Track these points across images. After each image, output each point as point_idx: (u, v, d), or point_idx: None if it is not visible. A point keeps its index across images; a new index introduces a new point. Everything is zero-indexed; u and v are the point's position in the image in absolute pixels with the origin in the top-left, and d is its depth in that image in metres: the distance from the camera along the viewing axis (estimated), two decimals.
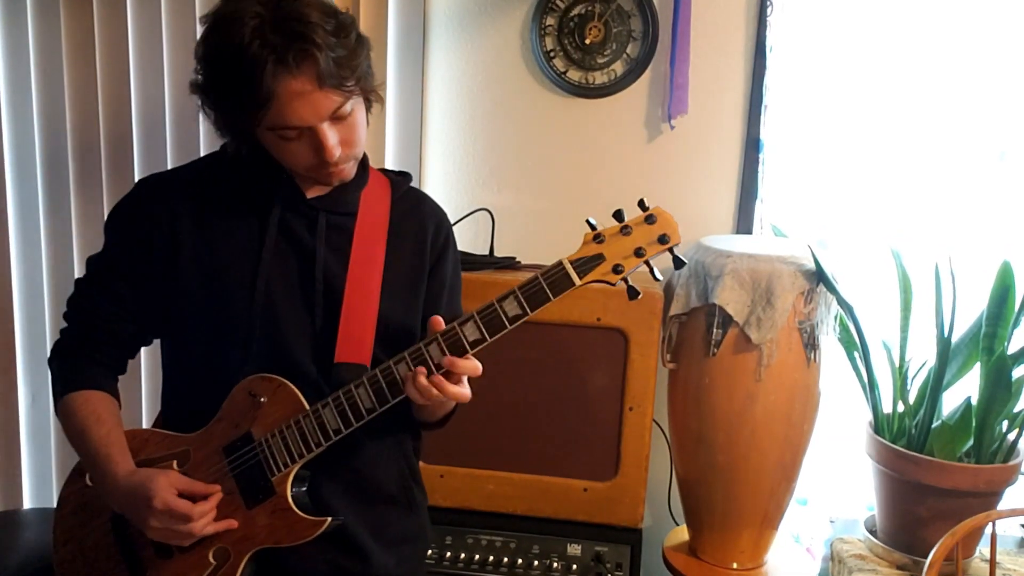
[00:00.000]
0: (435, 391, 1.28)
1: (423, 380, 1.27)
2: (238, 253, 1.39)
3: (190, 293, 1.39)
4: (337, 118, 1.28)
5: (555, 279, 1.27)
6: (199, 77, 1.30)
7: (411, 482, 1.55)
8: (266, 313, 1.38)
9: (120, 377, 1.52)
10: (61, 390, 1.45)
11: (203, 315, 1.39)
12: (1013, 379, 1.99)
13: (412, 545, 1.56)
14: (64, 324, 1.49)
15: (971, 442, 2.05)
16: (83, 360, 1.46)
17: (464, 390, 1.31)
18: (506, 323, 1.28)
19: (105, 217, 2.41)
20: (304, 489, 1.39)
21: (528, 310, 1.28)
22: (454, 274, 1.54)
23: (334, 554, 1.43)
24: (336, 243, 1.41)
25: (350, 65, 1.26)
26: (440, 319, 1.30)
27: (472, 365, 1.29)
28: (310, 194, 1.41)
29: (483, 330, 1.28)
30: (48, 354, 1.50)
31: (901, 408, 2.15)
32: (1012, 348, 2.03)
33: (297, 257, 1.40)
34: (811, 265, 2.04)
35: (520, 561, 2.17)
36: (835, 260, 2.14)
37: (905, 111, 2.32)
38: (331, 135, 1.29)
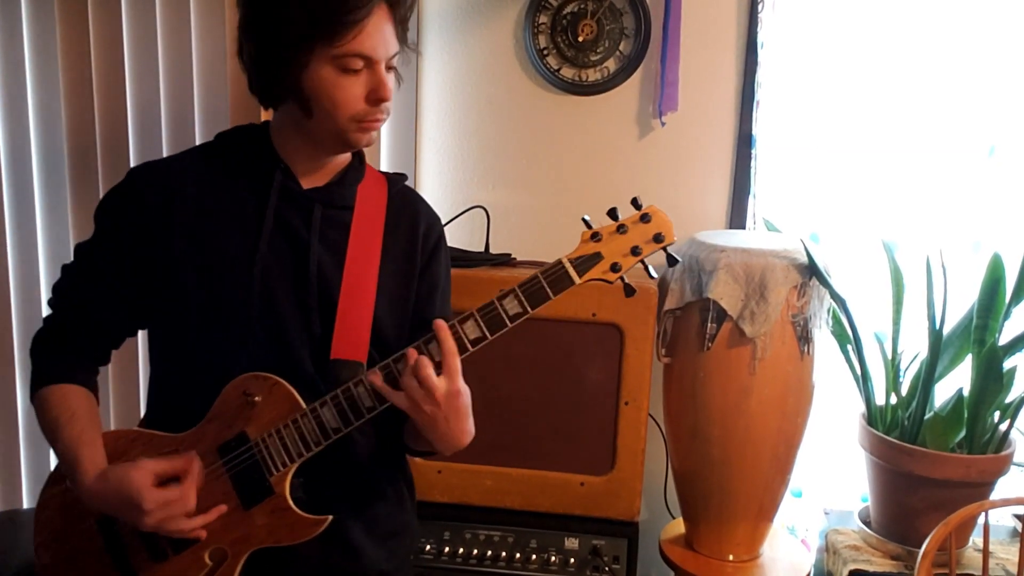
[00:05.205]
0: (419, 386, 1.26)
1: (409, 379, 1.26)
2: (234, 244, 1.37)
3: (185, 284, 1.37)
4: (388, 66, 1.33)
5: (555, 277, 1.29)
6: (265, 5, 1.29)
7: (399, 476, 1.55)
8: (264, 306, 1.37)
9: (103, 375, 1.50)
10: (38, 382, 1.43)
11: (199, 306, 1.38)
12: (1004, 370, 2.01)
13: (401, 539, 1.56)
14: (49, 311, 1.47)
15: (963, 433, 2.07)
16: (65, 350, 1.44)
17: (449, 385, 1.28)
18: (507, 321, 1.29)
19: None
20: (300, 487, 1.38)
21: (529, 308, 1.29)
22: (446, 278, 1.53)
23: (326, 550, 1.41)
24: (332, 237, 1.40)
25: (408, 19, 1.35)
26: (443, 322, 1.29)
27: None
28: (306, 185, 1.41)
29: (484, 328, 1.29)
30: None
31: (894, 400, 2.17)
32: (1003, 339, 2.05)
33: (292, 249, 1.39)
34: (804, 259, 2.05)
35: (518, 555, 2.18)
36: (828, 254, 2.16)
37: (896, 106, 2.33)
38: (387, 77, 1.33)
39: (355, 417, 1.33)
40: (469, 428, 1.36)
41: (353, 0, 1.26)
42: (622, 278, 1.31)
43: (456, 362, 1.28)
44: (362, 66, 1.30)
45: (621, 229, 1.30)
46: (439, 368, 1.27)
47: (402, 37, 1.34)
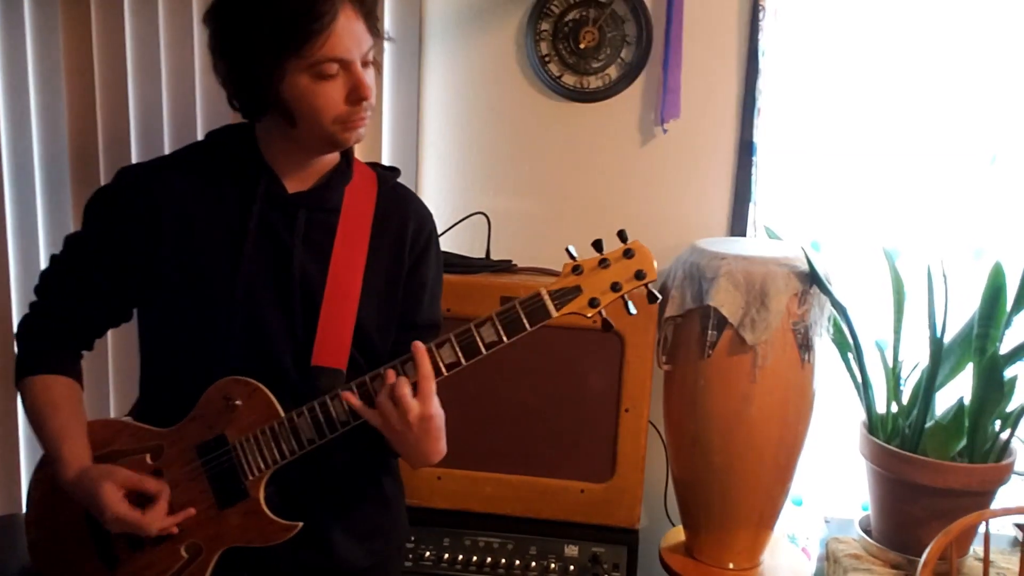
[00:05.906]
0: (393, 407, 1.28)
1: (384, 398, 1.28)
2: (219, 248, 1.38)
3: (170, 286, 1.38)
4: (364, 63, 1.31)
5: (533, 309, 1.29)
6: (231, 26, 1.29)
7: (381, 474, 1.54)
8: (247, 310, 1.37)
9: (93, 365, 1.50)
10: (23, 371, 1.44)
11: (183, 308, 1.39)
12: (1005, 379, 2.01)
13: (384, 539, 1.55)
14: (34, 298, 1.48)
15: (964, 442, 2.07)
16: (50, 340, 1.45)
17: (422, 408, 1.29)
18: (482, 348, 1.30)
19: None
20: (275, 494, 1.40)
21: (504, 338, 1.29)
22: (435, 278, 1.52)
23: (301, 548, 1.42)
24: (317, 241, 1.40)
25: (375, 9, 1.34)
26: (421, 344, 1.30)
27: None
28: (291, 189, 1.40)
29: (459, 354, 1.30)
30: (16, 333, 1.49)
31: (895, 408, 2.17)
32: (1004, 348, 2.05)
33: (275, 254, 1.39)
34: (805, 267, 2.05)
35: (518, 562, 2.18)
36: (828, 262, 2.16)
37: (897, 114, 2.33)
38: (365, 73, 1.31)
39: (329, 430, 1.34)
40: (440, 448, 1.36)
41: (317, 7, 1.24)
42: (600, 313, 1.31)
43: (431, 386, 1.29)
44: (337, 69, 1.29)
45: (603, 263, 1.29)
46: (415, 389, 1.28)
47: (373, 30, 1.33)
